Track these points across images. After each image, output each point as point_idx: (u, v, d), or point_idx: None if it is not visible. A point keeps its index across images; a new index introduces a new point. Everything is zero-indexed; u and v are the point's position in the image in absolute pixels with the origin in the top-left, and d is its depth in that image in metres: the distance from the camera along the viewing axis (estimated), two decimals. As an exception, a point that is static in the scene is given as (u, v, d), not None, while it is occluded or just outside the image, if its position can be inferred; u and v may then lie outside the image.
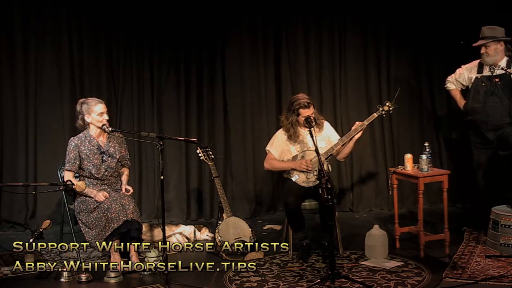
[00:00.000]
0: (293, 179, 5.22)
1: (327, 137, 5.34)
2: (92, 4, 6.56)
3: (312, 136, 4.89)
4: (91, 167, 5.15)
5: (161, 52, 6.74)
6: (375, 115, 5.28)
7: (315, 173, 5.14)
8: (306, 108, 5.21)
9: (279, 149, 5.35)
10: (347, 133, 5.27)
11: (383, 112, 5.31)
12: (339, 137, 5.33)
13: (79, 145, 5.15)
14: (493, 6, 6.40)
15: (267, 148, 5.43)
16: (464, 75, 5.82)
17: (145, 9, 6.63)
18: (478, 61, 5.72)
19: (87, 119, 5.14)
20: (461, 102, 5.86)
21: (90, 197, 5.07)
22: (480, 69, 5.68)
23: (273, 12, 6.88)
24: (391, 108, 5.33)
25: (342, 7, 6.95)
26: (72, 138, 5.23)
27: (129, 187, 5.30)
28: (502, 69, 5.48)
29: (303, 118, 5.14)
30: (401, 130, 7.07)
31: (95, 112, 5.11)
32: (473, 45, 5.61)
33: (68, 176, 5.12)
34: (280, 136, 5.39)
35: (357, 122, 5.27)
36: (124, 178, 5.38)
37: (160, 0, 6.64)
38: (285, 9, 6.89)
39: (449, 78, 5.96)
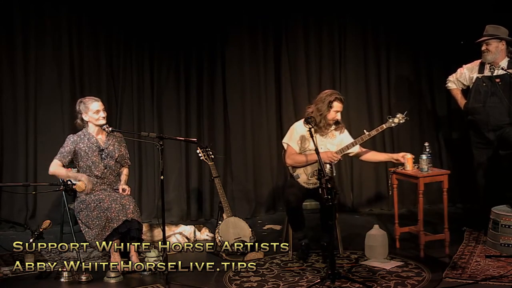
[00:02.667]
0: (296, 177, 5.21)
1: (340, 141, 5.29)
2: (92, 4, 6.56)
3: (312, 136, 4.87)
4: (90, 164, 5.16)
5: (161, 52, 6.74)
6: (384, 126, 5.19)
7: (315, 173, 5.13)
8: (340, 103, 5.20)
9: (298, 143, 5.23)
10: (355, 140, 5.19)
11: (393, 125, 5.19)
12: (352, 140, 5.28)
13: (78, 142, 5.18)
14: (493, 6, 6.41)
15: (285, 141, 5.28)
16: (465, 74, 5.82)
17: (145, 9, 6.64)
18: (479, 61, 5.72)
19: (85, 117, 5.22)
20: (461, 102, 5.86)
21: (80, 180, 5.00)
22: (481, 69, 5.68)
23: (273, 12, 6.88)
24: (401, 121, 5.18)
25: (342, 7, 6.96)
26: (71, 134, 5.26)
27: (125, 187, 5.28)
28: (503, 69, 5.48)
29: (333, 112, 5.15)
30: (401, 130, 7.07)
31: (91, 111, 5.17)
32: (476, 41, 5.61)
33: (55, 164, 5.09)
34: (298, 129, 5.24)
35: (365, 132, 5.17)
36: (123, 177, 5.38)
37: (160, 0, 6.64)
38: (285, 9, 6.90)
39: (450, 78, 5.96)
